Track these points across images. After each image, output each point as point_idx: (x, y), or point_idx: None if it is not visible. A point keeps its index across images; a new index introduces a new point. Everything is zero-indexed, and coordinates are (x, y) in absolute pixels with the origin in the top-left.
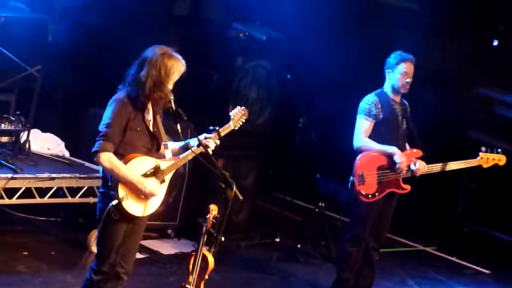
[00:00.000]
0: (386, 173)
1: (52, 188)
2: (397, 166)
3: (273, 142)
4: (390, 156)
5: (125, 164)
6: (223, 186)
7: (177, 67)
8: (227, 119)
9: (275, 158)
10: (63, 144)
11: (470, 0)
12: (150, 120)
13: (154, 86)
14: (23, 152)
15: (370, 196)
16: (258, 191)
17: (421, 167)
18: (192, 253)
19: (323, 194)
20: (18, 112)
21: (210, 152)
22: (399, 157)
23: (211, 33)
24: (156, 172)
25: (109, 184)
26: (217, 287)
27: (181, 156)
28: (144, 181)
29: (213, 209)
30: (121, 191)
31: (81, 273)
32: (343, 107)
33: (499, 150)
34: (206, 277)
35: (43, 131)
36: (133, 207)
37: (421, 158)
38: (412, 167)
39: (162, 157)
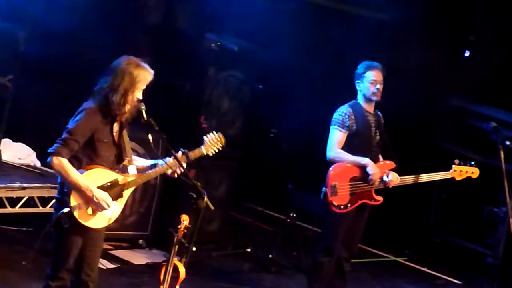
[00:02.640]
0: (358, 184)
1: (23, 198)
2: (370, 177)
3: (245, 153)
4: (363, 168)
5: (84, 173)
6: (195, 196)
7: (143, 75)
8: (199, 130)
9: (246, 168)
10: (34, 154)
11: (442, 11)
12: (117, 132)
13: (121, 96)
14: None
15: (342, 207)
16: (230, 201)
17: (394, 178)
18: (164, 263)
19: (294, 204)
20: None
21: (175, 175)
22: (372, 168)
23: (183, 43)
24: (113, 186)
25: (65, 190)
26: None
27: (143, 174)
28: (94, 189)
29: (185, 219)
30: (74, 200)
31: None
32: (315, 118)
33: (473, 162)
34: (177, 287)
35: (14, 140)
36: (85, 217)
37: (394, 170)
38: (385, 178)
39: (125, 171)
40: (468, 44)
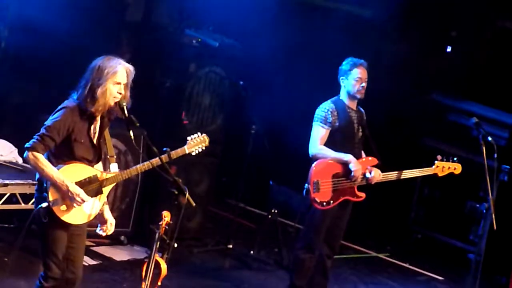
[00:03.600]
0: (341, 181)
1: (5, 194)
2: (352, 174)
3: (226, 149)
4: (345, 164)
5: (63, 168)
6: (176, 192)
7: (112, 68)
8: (180, 126)
9: (227, 164)
10: (16, 150)
11: (423, 7)
12: (96, 133)
13: (90, 90)
14: None
15: (324, 203)
16: (211, 197)
17: (376, 175)
18: (145, 260)
19: (276, 201)
20: None
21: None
22: (354, 165)
23: (163, 40)
24: (91, 182)
25: (44, 185)
26: None
27: (124, 171)
28: (69, 183)
29: (166, 216)
30: (51, 195)
31: (35, 279)
32: (296, 114)
33: (455, 158)
34: (159, 283)
35: None
36: (64, 212)
37: (376, 166)
38: (368, 175)
39: (107, 169)
40: (449, 39)
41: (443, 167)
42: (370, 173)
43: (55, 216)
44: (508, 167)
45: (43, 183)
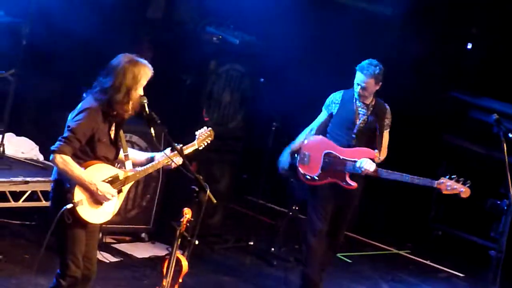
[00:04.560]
0: (332, 160)
1: (26, 192)
2: (363, 167)
3: (247, 146)
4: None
5: (85, 169)
6: (197, 189)
7: (144, 72)
8: (200, 123)
9: (248, 161)
10: (37, 148)
11: (444, 4)
12: (113, 130)
13: (124, 94)
14: None
15: (308, 177)
16: (232, 194)
17: (366, 165)
18: (166, 257)
19: (296, 197)
20: None
21: (172, 166)
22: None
23: (184, 37)
24: (114, 181)
25: (67, 186)
26: None
27: (141, 168)
28: (98, 183)
29: (187, 213)
30: (78, 195)
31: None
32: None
33: (467, 183)
34: (180, 280)
35: (17, 135)
36: (87, 213)
37: (377, 164)
38: (358, 164)
39: (123, 167)
40: (470, 36)
41: (448, 186)
42: (361, 162)
43: (78, 216)
44: None
45: (63, 184)
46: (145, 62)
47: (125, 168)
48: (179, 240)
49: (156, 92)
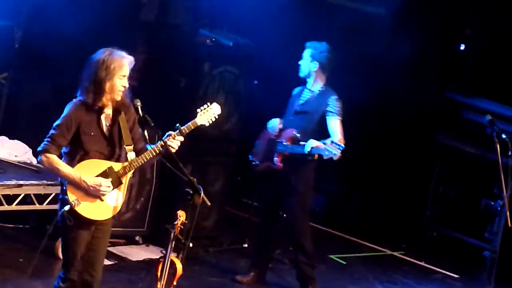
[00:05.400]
0: (269, 144)
1: (19, 195)
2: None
3: (241, 148)
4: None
5: (75, 166)
6: (191, 192)
7: (119, 64)
8: None
9: (242, 163)
10: (30, 151)
11: (437, 5)
12: (107, 125)
13: (96, 86)
14: None
15: (254, 164)
16: (226, 196)
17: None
18: (160, 259)
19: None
20: None
21: (173, 151)
22: (272, 122)
23: (178, 39)
24: (109, 174)
25: (64, 188)
26: None
27: (139, 157)
28: (87, 178)
29: (181, 215)
30: (71, 195)
31: (50, 280)
32: None
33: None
34: (175, 283)
35: (10, 138)
36: (87, 210)
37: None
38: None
39: (125, 159)
40: (463, 37)
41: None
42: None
43: (79, 216)
44: None
45: (63, 185)
46: (122, 54)
47: (127, 159)
48: (173, 242)
49: (150, 94)
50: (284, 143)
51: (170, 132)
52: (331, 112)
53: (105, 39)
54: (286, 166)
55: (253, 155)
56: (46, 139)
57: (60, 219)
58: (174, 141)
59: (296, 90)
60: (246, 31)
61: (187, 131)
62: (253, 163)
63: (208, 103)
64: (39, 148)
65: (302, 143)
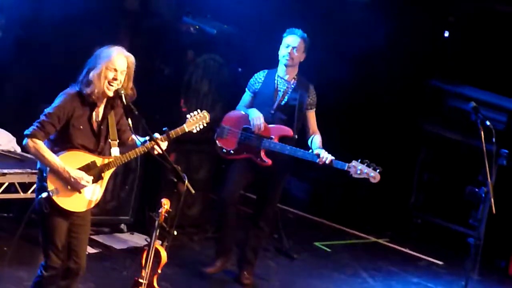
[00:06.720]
0: (249, 136)
1: (3, 184)
2: (251, 122)
3: None
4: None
5: (60, 155)
6: (175, 180)
7: (106, 53)
8: (179, 113)
9: None
10: (14, 140)
11: None
12: (98, 121)
13: (85, 75)
14: None
15: (224, 151)
16: (211, 184)
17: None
18: (145, 248)
19: None
20: None
21: (155, 153)
22: (253, 114)
23: (161, 27)
24: (90, 168)
25: (44, 175)
26: (170, 281)
27: (123, 154)
28: (70, 169)
29: (165, 203)
30: (51, 184)
31: (35, 269)
32: None
33: (378, 169)
34: (159, 271)
35: None
36: (64, 200)
37: (290, 140)
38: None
39: (108, 153)
40: (447, 24)
41: (358, 169)
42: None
43: (56, 205)
44: (506, 151)
45: (43, 172)
46: (122, 49)
47: (110, 154)
48: (158, 230)
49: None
50: (273, 140)
51: (157, 135)
52: (311, 105)
53: (90, 27)
54: (272, 160)
55: (220, 140)
56: (35, 124)
57: (37, 206)
58: (161, 144)
59: (263, 75)
60: (229, 18)
61: (174, 136)
62: (223, 150)
63: (199, 110)
64: (26, 131)
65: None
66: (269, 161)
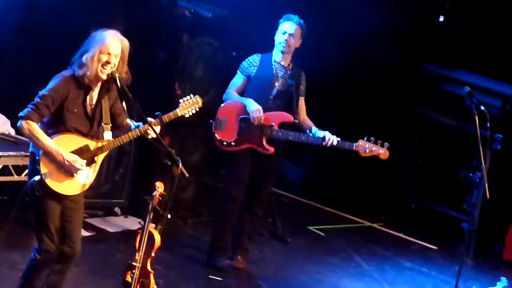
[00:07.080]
0: (248, 125)
1: None
2: (250, 114)
3: None
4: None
5: (53, 138)
6: (169, 163)
7: (100, 36)
8: (173, 97)
9: None
10: (9, 122)
11: None
12: (92, 104)
13: (79, 57)
14: None
15: (225, 143)
16: (205, 168)
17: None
18: (139, 231)
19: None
20: None
21: (149, 137)
22: (251, 105)
23: (156, 11)
24: (83, 152)
25: (36, 158)
26: (164, 264)
27: (116, 138)
28: (64, 153)
29: (159, 187)
30: (44, 167)
31: (29, 252)
32: None
33: (385, 144)
34: (153, 254)
35: None
36: (57, 184)
37: (291, 125)
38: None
39: (100, 137)
40: (442, 9)
41: (366, 147)
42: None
43: (48, 188)
44: (501, 136)
45: (35, 155)
46: (116, 33)
47: (102, 138)
48: (152, 214)
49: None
50: (275, 128)
51: (150, 119)
52: (303, 92)
53: (85, 10)
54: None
55: (218, 133)
56: (30, 106)
57: (29, 189)
58: (154, 128)
59: (258, 59)
60: (225, 2)
61: (167, 120)
62: (223, 142)
63: (192, 95)
64: (20, 113)
65: (344, 142)
66: (271, 149)
